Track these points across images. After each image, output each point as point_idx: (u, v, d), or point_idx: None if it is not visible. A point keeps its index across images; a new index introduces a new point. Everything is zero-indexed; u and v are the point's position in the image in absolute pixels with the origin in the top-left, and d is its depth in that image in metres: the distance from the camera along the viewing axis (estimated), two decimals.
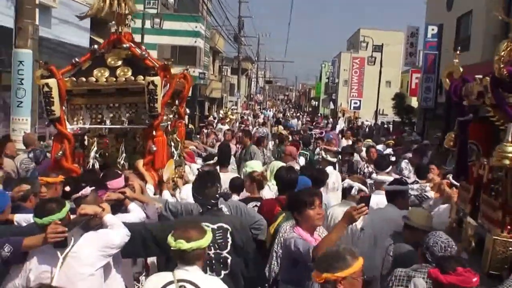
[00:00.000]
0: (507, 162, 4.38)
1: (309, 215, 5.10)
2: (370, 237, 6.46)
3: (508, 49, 4.49)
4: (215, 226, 5.07)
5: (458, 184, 6.70)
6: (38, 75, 6.69)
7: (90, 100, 7.13)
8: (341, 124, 36.34)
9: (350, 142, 18.50)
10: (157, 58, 8.51)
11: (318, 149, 15.40)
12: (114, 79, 6.91)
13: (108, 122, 7.09)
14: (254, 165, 8.02)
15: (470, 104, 5.44)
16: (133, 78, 6.86)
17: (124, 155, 7.00)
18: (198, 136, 18.97)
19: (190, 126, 22.36)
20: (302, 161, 12.13)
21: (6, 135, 12.18)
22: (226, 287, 4.30)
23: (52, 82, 6.57)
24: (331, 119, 49.29)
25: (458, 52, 5.98)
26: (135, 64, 7.06)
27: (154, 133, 6.91)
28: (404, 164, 12.25)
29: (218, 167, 9.21)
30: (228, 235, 5.20)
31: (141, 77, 6.76)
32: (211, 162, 9.59)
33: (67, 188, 5.15)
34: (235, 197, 7.27)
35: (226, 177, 7.75)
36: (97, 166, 6.94)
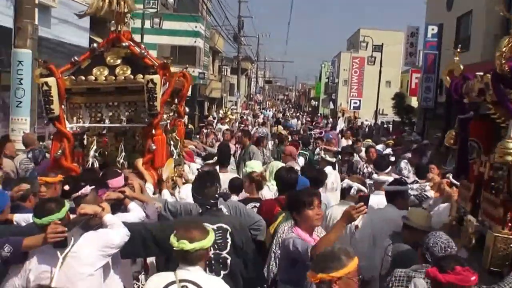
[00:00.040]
0: (509, 158, 4.38)
1: (308, 215, 5.09)
2: (369, 237, 6.45)
3: (510, 45, 4.48)
4: (214, 227, 5.05)
5: (458, 183, 6.70)
6: (37, 74, 6.68)
7: (89, 98, 7.11)
8: (340, 124, 36.32)
9: (349, 142, 18.48)
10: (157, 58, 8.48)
11: (318, 149, 15.37)
12: (114, 77, 6.89)
13: (107, 121, 7.08)
14: (254, 165, 8.00)
15: (471, 102, 5.42)
16: (132, 76, 6.85)
17: (123, 154, 6.99)
18: (197, 136, 18.96)
19: (190, 126, 22.37)
20: (301, 161, 12.10)
21: (5, 135, 12.15)
22: (228, 287, 4.28)
23: (51, 80, 6.55)
24: (330, 119, 49.29)
25: (458, 49, 5.97)
26: (134, 63, 7.05)
27: (153, 131, 6.90)
28: (403, 164, 12.24)
29: (217, 167, 9.20)
30: (228, 236, 5.19)
31: (141, 75, 6.75)
32: (211, 161, 9.57)
33: (66, 187, 5.14)
34: (234, 198, 7.25)
35: (225, 177, 7.74)
36: (96, 165, 6.93)
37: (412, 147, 16.85)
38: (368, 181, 9.02)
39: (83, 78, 6.88)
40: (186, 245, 3.98)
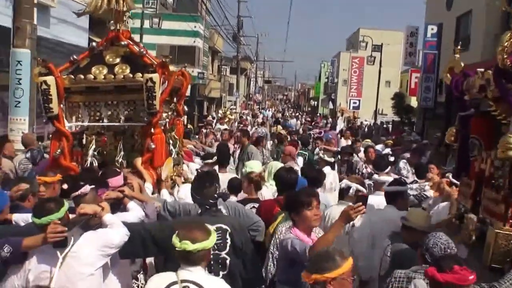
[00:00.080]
0: (511, 153, 4.36)
1: (306, 216, 5.08)
2: (368, 238, 6.43)
3: (511, 40, 4.45)
4: (214, 227, 5.02)
5: (458, 183, 6.69)
6: (36, 73, 6.66)
7: (88, 97, 7.10)
8: (340, 124, 36.33)
9: (349, 142, 18.45)
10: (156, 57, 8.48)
11: (317, 149, 15.35)
12: (113, 76, 6.88)
13: (106, 120, 7.07)
14: (254, 165, 7.98)
15: (472, 99, 5.41)
16: (131, 75, 6.83)
17: (122, 153, 6.99)
18: (197, 136, 18.93)
19: (189, 126, 22.35)
20: (300, 161, 12.07)
21: (4, 135, 12.14)
22: None
23: (50, 79, 6.53)
24: (330, 119, 49.28)
25: (459, 46, 5.95)
26: (133, 62, 7.03)
27: (152, 130, 6.88)
28: (402, 164, 12.23)
29: (217, 167, 9.18)
30: (227, 236, 5.19)
31: (140, 74, 6.74)
32: (210, 161, 9.55)
33: (65, 186, 5.12)
34: (233, 198, 7.23)
35: (224, 178, 7.74)
36: (95, 164, 6.91)
37: (411, 147, 16.83)
38: (367, 182, 9.02)
39: (82, 77, 6.86)
40: (189, 246, 3.98)
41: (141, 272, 5.72)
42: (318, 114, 65.23)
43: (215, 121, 27.83)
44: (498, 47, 4.43)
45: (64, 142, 6.75)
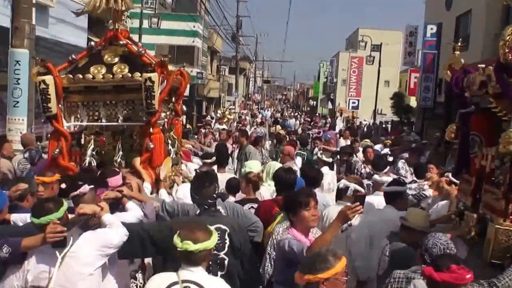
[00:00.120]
0: None
1: (304, 216, 5.06)
2: (366, 238, 6.40)
3: None
4: (213, 227, 5.02)
5: (457, 182, 6.68)
6: (34, 72, 6.65)
7: (87, 97, 7.10)
8: (339, 124, 36.29)
9: (348, 142, 18.43)
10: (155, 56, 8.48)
11: (316, 149, 15.33)
12: (111, 76, 6.88)
13: (104, 119, 7.05)
14: (253, 165, 7.96)
15: (472, 96, 5.40)
16: (130, 75, 6.83)
17: (121, 153, 6.98)
18: (196, 136, 18.92)
19: (188, 126, 22.33)
20: (298, 161, 12.04)
21: (2, 135, 12.12)
22: None
23: (48, 79, 6.52)
24: (329, 119, 49.26)
25: (459, 43, 5.94)
26: (132, 61, 7.03)
27: (151, 130, 6.87)
28: (400, 164, 12.19)
29: (215, 167, 9.17)
30: (226, 237, 5.17)
31: (138, 74, 6.74)
32: (209, 161, 9.53)
33: (63, 186, 5.11)
34: (231, 199, 7.21)
35: (223, 178, 7.74)
36: (93, 164, 6.90)
37: (410, 147, 16.80)
38: (366, 182, 9.01)
39: (80, 76, 6.86)
40: (190, 246, 3.98)
41: (140, 272, 5.72)
42: (317, 114, 65.23)
43: (214, 121, 27.79)
44: (499, 41, 4.39)
45: (63, 142, 6.75)
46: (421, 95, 29.89)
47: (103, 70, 6.91)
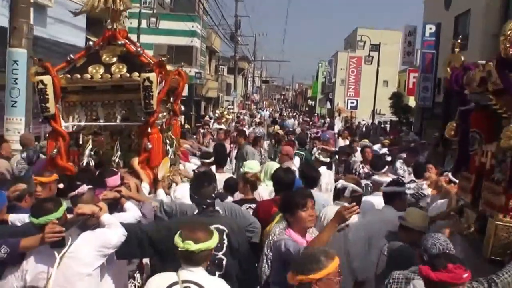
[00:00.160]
0: None
1: (301, 217, 5.04)
2: (363, 239, 6.39)
3: None
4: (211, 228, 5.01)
5: (456, 181, 6.67)
6: (32, 72, 6.64)
7: (85, 97, 7.09)
8: (338, 124, 36.28)
9: (347, 142, 18.42)
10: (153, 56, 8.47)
11: (315, 149, 15.31)
12: (109, 76, 6.86)
13: (102, 119, 7.03)
14: (252, 165, 7.96)
15: (472, 93, 5.39)
16: (128, 74, 6.81)
17: (119, 153, 6.97)
18: (194, 136, 18.90)
19: (187, 126, 22.32)
20: (296, 161, 12.02)
21: (0, 135, 12.08)
22: None
23: (47, 79, 6.51)
24: (328, 119, 49.27)
25: (459, 40, 5.93)
26: (130, 61, 7.02)
27: (149, 130, 6.86)
28: (398, 164, 12.20)
29: (214, 167, 9.15)
30: (224, 237, 5.15)
31: (136, 73, 6.73)
32: (208, 161, 9.51)
33: (61, 185, 5.11)
34: (229, 198, 7.20)
35: (222, 178, 7.72)
36: (91, 164, 6.89)
37: (408, 146, 16.80)
38: (364, 182, 9.00)
39: (78, 76, 6.85)
40: (192, 246, 3.97)
41: (138, 272, 5.72)
42: (316, 114, 65.29)
43: (212, 121, 27.79)
44: (500, 36, 4.36)
45: (61, 142, 6.73)
46: (420, 95, 29.91)
47: (101, 70, 6.90)
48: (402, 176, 10.48)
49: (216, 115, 32.95)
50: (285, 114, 59.67)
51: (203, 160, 9.59)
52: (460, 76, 5.47)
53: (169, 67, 7.28)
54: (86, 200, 4.85)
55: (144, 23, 29.71)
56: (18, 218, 5.25)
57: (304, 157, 12.98)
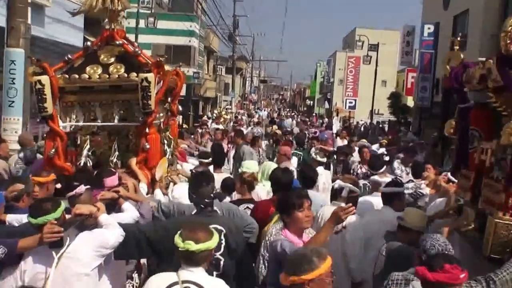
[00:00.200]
0: None
1: (298, 217, 5.02)
2: (361, 240, 6.38)
3: None
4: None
5: (455, 180, 6.67)
6: (30, 72, 6.63)
7: (83, 97, 7.07)
8: (336, 124, 36.29)
9: (345, 142, 18.42)
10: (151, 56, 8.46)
11: (313, 149, 15.29)
12: (107, 76, 6.85)
13: (100, 119, 7.03)
14: (250, 165, 7.96)
15: (471, 90, 5.38)
16: (126, 75, 6.80)
17: (116, 153, 6.97)
18: (192, 136, 18.90)
19: (185, 126, 22.31)
20: (294, 161, 12.01)
21: None
22: None
23: (44, 79, 6.50)
24: (326, 119, 49.29)
25: (458, 38, 5.92)
26: (128, 61, 7.01)
27: (147, 130, 6.86)
28: (396, 164, 12.20)
29: (212, 167, 9.14)
30: (222, 237, 5.14)
31: (134, 74, 6.72)
32: (206, 160, 9.50)
33: (58, 185, 5.10)
34: (226, 198, 7.19)
35: (219, 178, 7.70)
36: (89, 164, 6.88)
37: (406, 146, 16.78)
38: (362, 182, 9.00)
39: (76, 76, 6.83)
40: (192, 246, 3.96)
41: (135, 272, 5.72)
42: (314, 114, 65.30)
43: (210, 121, 27.79)
44: (501, 33, 4.34)
45: (58, 142, 6.73)
46: (418, 95, 29.93)
47: (99, 70, 6.88)
48: (400, 176, 10.49)
49: (214, 115, 32.98)
50: (283, 114, 59.65)
51: (201, 160, 9.59)
52: (459, 73, 5.46)
53: (167, 67, 7.27)
54: (84, 200, 4.85)
55: (142, 23, 29.70)
56: (16, 218, 5.25)
57: (302, 157, 12.97)
